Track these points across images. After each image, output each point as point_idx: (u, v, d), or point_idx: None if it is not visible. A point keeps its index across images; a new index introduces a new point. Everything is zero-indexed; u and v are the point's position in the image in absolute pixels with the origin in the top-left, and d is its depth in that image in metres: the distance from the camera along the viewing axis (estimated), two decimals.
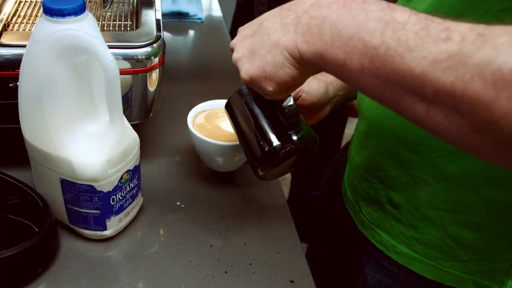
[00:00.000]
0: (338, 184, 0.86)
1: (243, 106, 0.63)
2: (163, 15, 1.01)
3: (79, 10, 0.51)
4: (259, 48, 0.49)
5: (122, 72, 0.64)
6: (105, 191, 0.59)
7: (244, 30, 0.53)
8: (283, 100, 0.58)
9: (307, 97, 0.72)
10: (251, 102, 0.62)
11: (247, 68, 0.50)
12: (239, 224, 0.70)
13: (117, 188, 0.60)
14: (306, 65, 0.47)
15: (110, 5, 0.73)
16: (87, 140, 0.57)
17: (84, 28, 0.51)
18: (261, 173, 0.62)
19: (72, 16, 0.51)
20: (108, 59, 0.51)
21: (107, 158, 0.57)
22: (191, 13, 1.18)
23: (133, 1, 0.78)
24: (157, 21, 0.71)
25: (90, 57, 0.54)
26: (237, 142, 0.69)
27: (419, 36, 0.36)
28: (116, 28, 0.70)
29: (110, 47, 0.53)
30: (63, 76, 0.53)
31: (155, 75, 0.68)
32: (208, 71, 1.07)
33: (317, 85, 0.73)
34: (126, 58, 0.65)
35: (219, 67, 1.08)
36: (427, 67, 0.35)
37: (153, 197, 0.72)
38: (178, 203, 0.72)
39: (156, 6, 0.75)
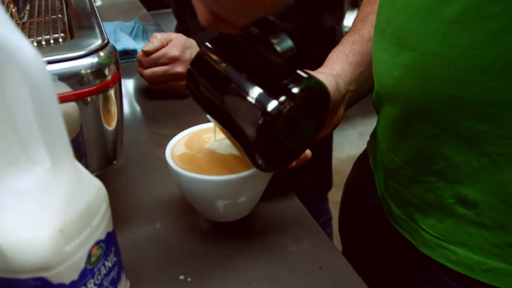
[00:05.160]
0: (367, 206, 0.70)
1: (211, 70, 0.44)
2: None
3: None
4: None
5: (62, 99, 0.43)
6: (68, 282, 0.35)
7: None
8: (268, 34, 0.39)
9: None
10: (222, 57, 0.44)
11: None
12: None
13: (86, 274, 0.37)
14: None
15: (29, 13, 0.51)
16: (20, 203, 0.34)
17: None
18: (260, 162, 0.43)
19: None
20: (28, 54, 0.30)
21: (59, 226, 0.34)
22: (139, 50, 0.98)
23: (62, 17, 0.57)
24: (99, 26, 0.50)
25: None
26: (245, 173, 0.48)
27: None
28: (44, 43, 0.49)
29: None
30: None
31: (111, 99, 0.47)
32: (178, 108, 0.87)
33: (326, 80, 0.58)
34: (64, 76, 0.43)
35: (190, 103, 0.88)
36: None
37: (144, 276, 0.49)
38: (182, 277, 0.49)
39: (96, 13, 0.54)
